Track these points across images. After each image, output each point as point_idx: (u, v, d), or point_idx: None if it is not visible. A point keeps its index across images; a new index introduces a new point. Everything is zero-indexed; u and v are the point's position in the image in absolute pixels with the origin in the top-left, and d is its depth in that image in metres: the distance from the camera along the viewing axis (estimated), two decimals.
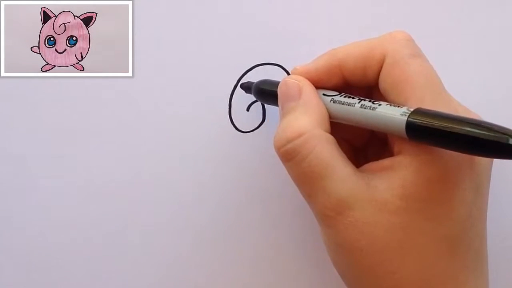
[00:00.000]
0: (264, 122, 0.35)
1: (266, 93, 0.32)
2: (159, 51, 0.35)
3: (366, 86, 0.30)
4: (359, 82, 0.29)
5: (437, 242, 0.26)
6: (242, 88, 0.35)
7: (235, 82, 0.35)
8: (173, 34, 0.35)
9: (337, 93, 0.29)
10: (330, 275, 0.35)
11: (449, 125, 0.23)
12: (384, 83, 0.28)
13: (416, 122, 0.24)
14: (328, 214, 0.27)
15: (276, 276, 0.35)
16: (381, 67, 0.28)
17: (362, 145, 0.32)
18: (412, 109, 0.25)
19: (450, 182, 0.26)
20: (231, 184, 0.35)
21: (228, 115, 0.35)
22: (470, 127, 0.23)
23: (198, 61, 0.35)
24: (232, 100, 0.35)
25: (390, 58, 0.28)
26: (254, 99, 0.35)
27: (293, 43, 0.35)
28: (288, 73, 0.35)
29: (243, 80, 0.35)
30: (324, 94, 0.29)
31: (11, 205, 0.35)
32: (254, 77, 0.35)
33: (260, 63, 0.35)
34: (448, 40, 0.35)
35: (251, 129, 0.35)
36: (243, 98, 0.35)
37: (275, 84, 0.31)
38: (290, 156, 0.27)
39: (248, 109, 0.35)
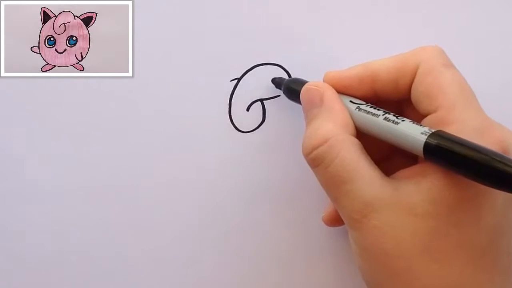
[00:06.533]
0: (264, 122, 0.35)
1: (295, 93, 0.32)
2: (159, 51, 0.35)
3: (396, 101, 0.30)
4: (390, 95, 0.30)
5: (463, 249, 0.26)
6: (273, 83, 0.35)
7: (235, 82, 0.35)
8: (173, 34, 0.35)
9: (364, 103, 0.30)
10: (328, 276, 0.35)
11: (469, 153, 0.23)
12: (417, 92, 0.28)
13: (434, 143, 0.25)
14: (354, 217, 0.27)
15: (276, 276, 0.35)
16: (414, 77, 0.28)
17: (384, 159, 0.31)
18: (433, 130, 0.25)
19: (479, 189, 0.25)
20: (231, 184, 0.35)
21: (228, 115, 0.35)
22: (488, 159, 0.23)
23: (198, 61, 0.35)
24: (232, 100, 0.35)
25: (423, 67, 0.28)
26: (254, 99, 0.35)
27: (293, 43, 0.35)
28: (287, 73, 0.35)
29: (274, 75, 0.35)
30: (351, 101, 0.30)
31: (10, 205, 0.35)
32: (254, 77, 0.35)
33: (260, 63, 0.35)
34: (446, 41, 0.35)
35: (251, 129, 0.35)
36: (243, 98, 0.35)
37: (304, 84, 0.31)
38: (317, 162, 0.28)
39: (248, 109, 0.35)
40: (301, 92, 0.31)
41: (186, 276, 0.35)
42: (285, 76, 0.35)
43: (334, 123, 0.28)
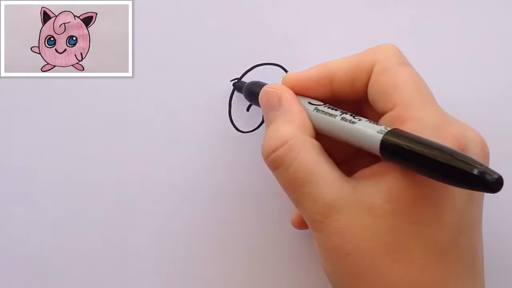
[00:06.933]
0: (264, 122, 0.35)
1: (255, 95, 0.32)
2: (159, 51, 0.35)
3: (355, 101, 0.30)
4: (348, 95, 0.29)
5: (424, 247, 0.26)
6: (234, 87, 0.35)
7: (236, 82, 0.35)
8: (173, 34, 0.35)
9: (322, 104, 0.29)
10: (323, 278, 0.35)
11: (424, 150, 0.23)
12: (373, 91, 0.28)
13: (390, 142, 0.25)
14: (316, 218, 0.27)
15: (276, 276, 0.35)
16: (370, 76, 0.28)
17: (348, 159, 0.31)
18: (389, 129, 0.25)
19: (438, 186, 0.25)
20: (231, 184, 0.35)
21: (228, 115, 0.35)
22: (443, 156, 0.23)
23: (198, 61, 0.35)
24: (232, 100, 0.35)
25: (379, 66, 0.28)
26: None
27: (293, 43, 0.35)
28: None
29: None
30: (309, 103, 0.30)
31: (10, 205, 0.35)
32: (254, 77, 0.35)
33: (260, 63, 0.35)
34: (442, 40, 0.35)
35: (251, 129, 0.35)
36: (243, 98, 0.35)
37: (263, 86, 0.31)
38: (277, 165, 0.28)
39: (248, 109, 0.35)
40: (260, 94, 0.31)
41: (186, 276, 0.35)
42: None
43: (293, 124, 0.28)
